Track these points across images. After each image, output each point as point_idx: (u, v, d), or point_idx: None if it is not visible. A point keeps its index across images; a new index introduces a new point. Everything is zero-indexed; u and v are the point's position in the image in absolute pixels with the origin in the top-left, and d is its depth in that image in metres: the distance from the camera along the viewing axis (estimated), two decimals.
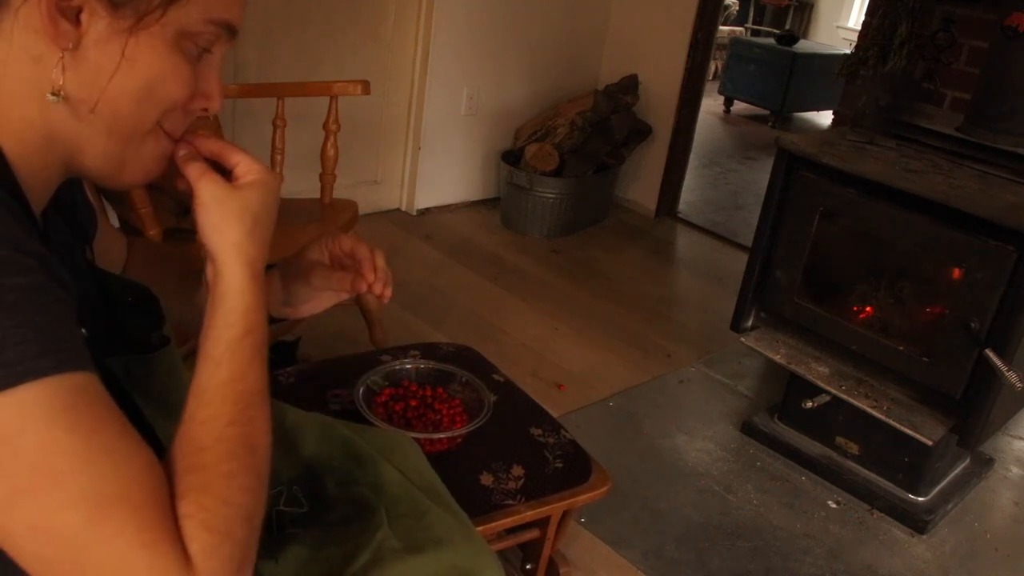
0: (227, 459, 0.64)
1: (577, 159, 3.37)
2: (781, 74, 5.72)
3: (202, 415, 0.66)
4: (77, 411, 0.56)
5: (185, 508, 0.60)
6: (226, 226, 0.71)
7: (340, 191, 2.22)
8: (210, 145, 0.74)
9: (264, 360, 0.70)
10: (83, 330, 0.69)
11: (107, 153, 0.68)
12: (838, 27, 7.31)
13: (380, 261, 0.88)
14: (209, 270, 0.73)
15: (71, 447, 0.55)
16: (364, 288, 0.87)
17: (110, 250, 0.92)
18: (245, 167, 0.74)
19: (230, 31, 0.68)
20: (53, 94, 0.63)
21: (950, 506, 2.04)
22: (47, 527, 0.55)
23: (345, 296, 0.92)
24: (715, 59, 6.11)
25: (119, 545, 0.56)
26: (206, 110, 0.71)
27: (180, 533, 0.59)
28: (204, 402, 0.66)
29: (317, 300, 0.93)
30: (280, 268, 0.92)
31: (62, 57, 0.62)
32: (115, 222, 1.94)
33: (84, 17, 0.61)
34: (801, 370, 2.02)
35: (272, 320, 0.94)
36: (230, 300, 0.70)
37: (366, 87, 2.15)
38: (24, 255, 0.57)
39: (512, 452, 1.37)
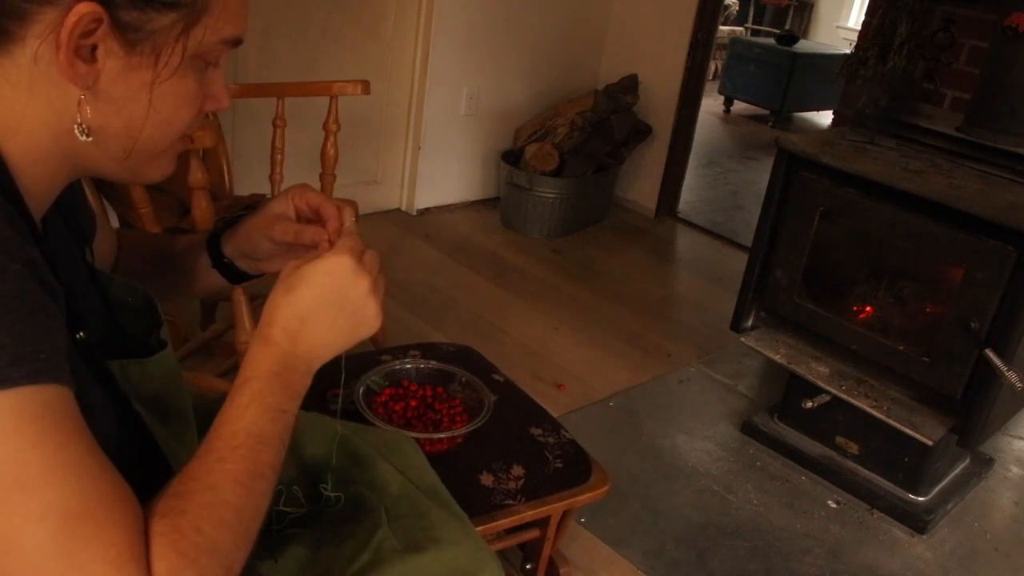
0: (208, 490, 0.65)
1: (577, 159, 3.37)
2: (781, 74, 5.73)
3: (201, 449, 0.68)
4: (46, 424, 0.56)
5: (160, 527, 0.61)
6: (270, 295, 0.75)
7: (340, 191, 2.22)
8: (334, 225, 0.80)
9: (269, 409, 0.71)
10: (81, 333, 0.69)
11: (125, 167, 0.70)
12: (838, 27, 7.32)
13: (348, 220, 0.83)
14: None
15: (38, 460, 0.55)
16: (324, 242, 0.82)
17: (104, 247, 0.92)
18: (338, 246, 0.75)
19: (237, 43, 0.70)
20: (82, 133, 0.65)
21: (950, 506, 2.04)
22: (10, 538, 0.54)
23: (304, 251, 0.86)
24: (715, 59, 6.12)
25: (81, 560, 0.56)
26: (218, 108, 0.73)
27: (148, 552, 0.59)
28: (203, 440, 0.69)
29: (281, 257, 0.90)
30: (245, 220, 0.91)
31: (83, 97, 0.63)
32: (115, 222, 1.94)
33: (100, 55, 0.62)
34: (801, 370, 2.02)
35: (241, 276, 0.94)
36: (245, 355, 0.74)
37: (366, 87, 2.15)
38: (11, 260, 0.57)
39: (512, 452, 1.37)
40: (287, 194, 0.87)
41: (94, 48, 0.62)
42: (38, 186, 0.67)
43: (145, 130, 0.67)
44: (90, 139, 0.65)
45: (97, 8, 0.60)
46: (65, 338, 0.61)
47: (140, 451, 0.75)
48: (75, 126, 0.64)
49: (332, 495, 0.98)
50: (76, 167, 0.69)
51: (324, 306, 0.73)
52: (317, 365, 0.76)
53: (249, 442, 0.68)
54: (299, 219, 0.87)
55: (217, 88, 0.72)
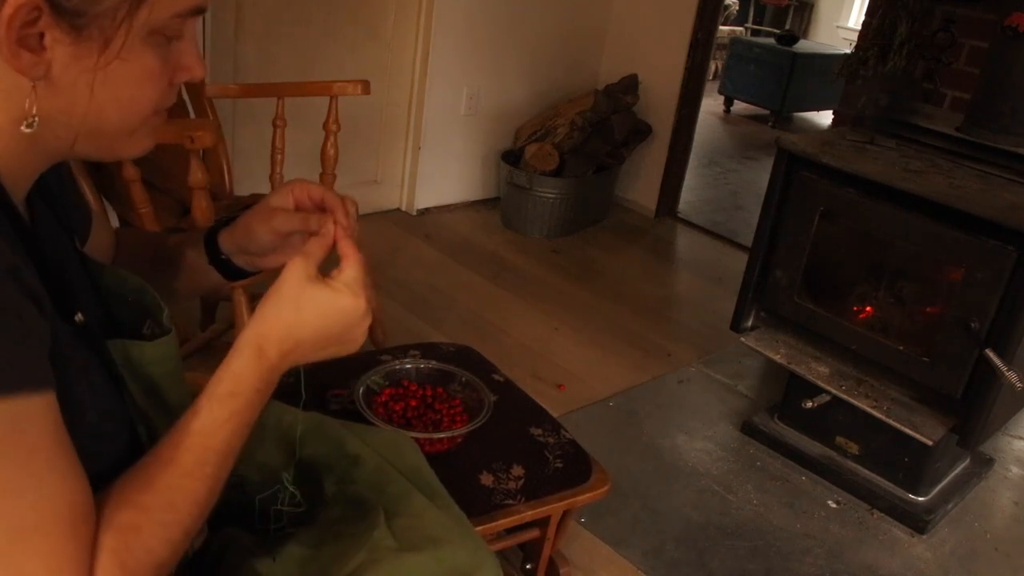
0: (169, 509, 0.66)
1: (577, 159, 3.37)
2: (781, 74, 5.73)
3: (165, 455, 0.68)
4: (14, 438, 0.57)
5: (110, 541, 0.62)
6: (272, 297, 0.73)
7: (340, 191, 2.22)
8: (344, 242, 0.77)
9: (242, 426, 0.72)
10: (79, 315, 0.68)
11: (98, 147, 0.69)
12: (838, 27, 7.31)
13: (351, 210, 0.83)
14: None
15: (2, 475, 0.57)
16: (329, 228, 0.80)
17: (102, 244, 0.92)
18: (347, 276, 0.74)
19: (198, 12, 0.67)
20: (27, 126, 0.63)
21: (950, 506, 2.04)
22: None
23: (302, 241, 0.85)
24: (715, 59, 6.11)
25: (28, 570, 0.57)
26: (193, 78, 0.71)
27: (95, 563, 0.61)
28: (171, 443, 0.69)
29: (280, 251, 0.90)
30: (245, 214, 0.91)
31: (34, 87, 0.61)
32: (115, 222, 1.94)
33: (47, 42, 0.60)
34: (801, 370, 2.02)
35: (238, 272, 0.94)
36: (230, 358, 0.72)
37: (366, 87, 2.15)
38: None
39: (512, 452, 1.37)
40: (287, 187, 0.87)
41: (41, 36, 0.60)
42: (17, 172, 0.66)
43: (107, 114, 0.65)
44: (32, 131, 0.63)
45: None
46: (47, 338, 0.61)
47: (133, 432, 0.75)
48: (24, 120, 0.62)
49: (291, 490, 0.98)
50: (47, 153, 0.68)
51: (324, 337, 0.74)
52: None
53: (217, 459, 0.70)
54: (297, 208, 0.87)
55: (187, 58, 0.69)
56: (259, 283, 1.00)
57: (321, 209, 0.85)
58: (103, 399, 0.70)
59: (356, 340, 0.76)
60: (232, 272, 0.94)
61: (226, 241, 0.92)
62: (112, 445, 0.71)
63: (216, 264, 0.93)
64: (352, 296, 0.74)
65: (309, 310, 0.73)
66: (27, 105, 0.62)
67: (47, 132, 0.65)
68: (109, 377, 0.72)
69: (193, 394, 0.84)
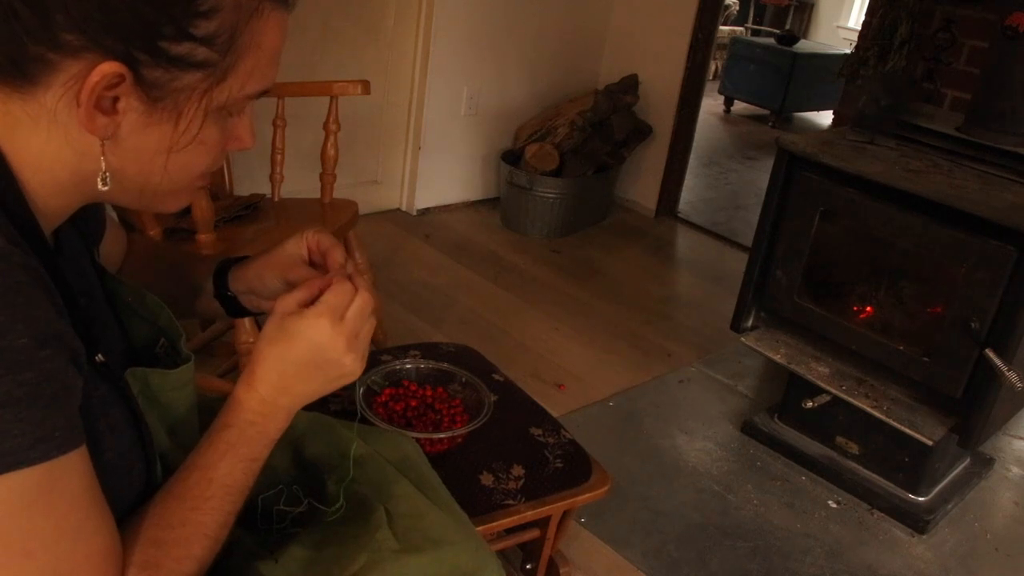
0: (183, 544, 0.70)
1: (577, 159, 3.37)
2: (781, 74, 5.73)
3: (175, 490, 0.72)
4: (53, 496, 0.60)
5: None
6: (260, 334, 0.76)
7: (340, 191, 2.22)
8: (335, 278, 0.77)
9: (241, 459, 0.74)
10: (100, 356, 0.70)
11: (140, 201, 0.72)
12: (838, 27, 7.32)
13: (350, 268, 0.84)
14: None
15: (43, 531, 0.60)
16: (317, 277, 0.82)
17: (110, 245, 0.92)
18: (321, 301, 0.74)
19: (263, 94, 0.71)
20: (103, 182, 0.66)
21: (950, 506, 2.04)
22: None
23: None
24: (715, 59, 6.11)
25: None
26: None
27: None
28: (179, 478, 0.73)
29: None
30: (258, 257, 0.92)
31: (102, 145, 0.64)
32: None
33: (121, 107, 0.63)
34: (801, 370, 2.02)
35: (241, 311, 0.95)
36: (231, 393, 0.75)
37: (366, 87, 2.15)
38: (42, 343, 0.58)
39: (512, 452, 1.37)
40: (302, 235, 0.89)
41: (116, 100, 0.62)
42: (52, 209, 0.68)
43: (159, 176, 0.68)
44: (107, 188, 0.66)
45: (120, 67, 0.60)
46: (80, 393, 0.63)
47: (149, 465, 0.76)
48: (98, 177, 0.65)
49: (338, 503, 0.98)
50: (93, 197, 0.70)
51: (302, 365, 0.75)
52: (298, 408, 0.78)
53: (220, 493, 0.73)
54: (310, 259, 0.89)
55: (241, 130, 0.73)
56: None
57: (325, 259, 0.87)
58: (120, 435, 0.71)
59: (343, 365, 0.75)
60: (235, 309, 0.96)
61: (236, 280, 0.94)
62: (128, 480, 0.73)
63: (221, 298, 0.95)
64: (313, 317, 0.74)
65: (282, 341, 0.75)
66: (102, 163, 0.65)
67: (98, 182, 0.67)
68: (127, 411, 0.73)
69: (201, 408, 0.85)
